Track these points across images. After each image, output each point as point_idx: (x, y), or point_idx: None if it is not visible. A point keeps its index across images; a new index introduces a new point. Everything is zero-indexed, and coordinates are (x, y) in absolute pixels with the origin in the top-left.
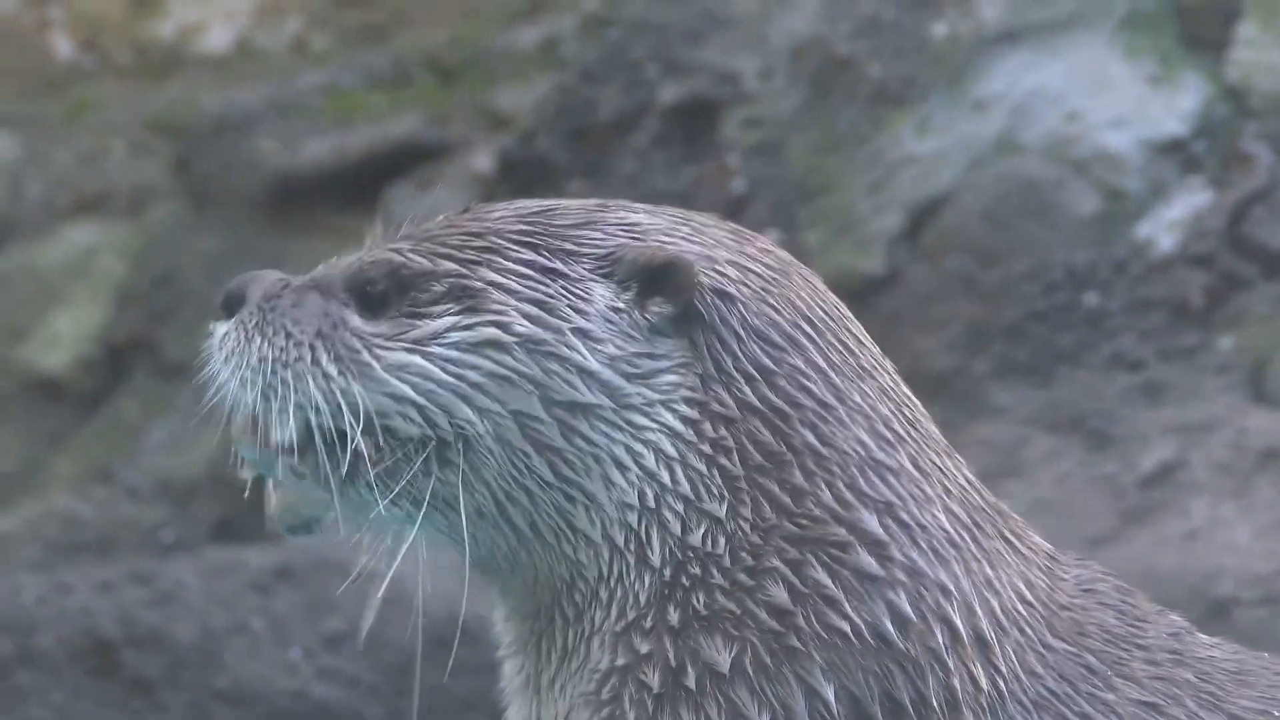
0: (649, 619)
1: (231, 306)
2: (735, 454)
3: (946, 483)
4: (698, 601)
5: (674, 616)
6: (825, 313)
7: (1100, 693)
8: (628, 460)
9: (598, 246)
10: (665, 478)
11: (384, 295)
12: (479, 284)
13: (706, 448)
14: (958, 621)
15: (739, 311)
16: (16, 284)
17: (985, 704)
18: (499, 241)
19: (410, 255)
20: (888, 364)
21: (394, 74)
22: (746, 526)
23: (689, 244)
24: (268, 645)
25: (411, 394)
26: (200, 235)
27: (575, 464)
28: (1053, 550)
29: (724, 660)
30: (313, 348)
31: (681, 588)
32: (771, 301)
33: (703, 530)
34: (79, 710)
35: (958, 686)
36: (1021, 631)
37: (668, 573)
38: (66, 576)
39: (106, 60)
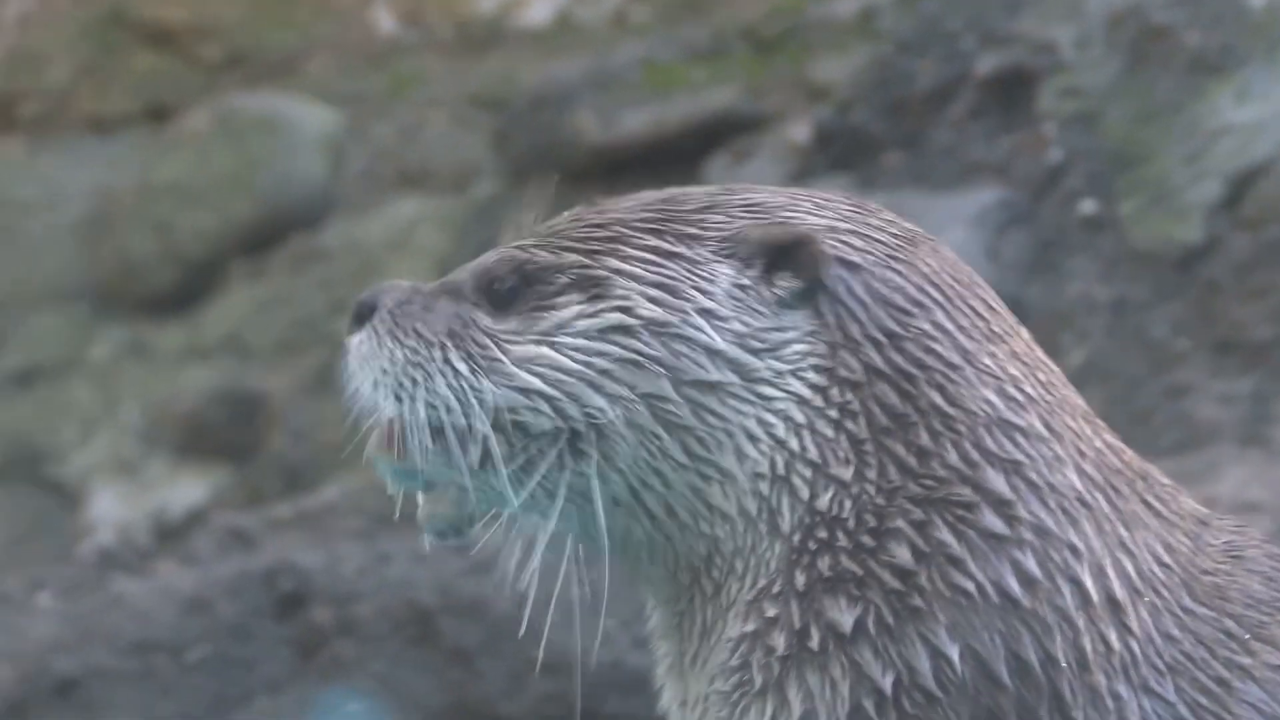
0: (777, 584)
1: (363, 316)
2: (862, 418)
3: (1080, 445)
4: (822, 564)
5: (800, 580)
6: (954, 279)
7: (1237, 656)
8: (759, 431)
9: (721, 229)
10: (794, 445)
11: (511, 292)
12: (603, 272)
13: (834, 413)
14: (1087, 582)
15: (864, 279)
16: (338, 257)
17: (1117, 665)
18: (622, 230)
19: (534, 250)
20: (1022, 331)
21: (712, 46)
22: (871, 489)
23: (812, 218)
24: (584, 615)
25: (541, 385)
26: (519, 208)
27: (708, 441)
28: (1206, 515)
29: (847, 621)
30: (443, 346)
31: (808, 552)
32: (896, 268)
33: (830, 494)
34: (398, 679)
35: (1088, 647)
36: (1157, 594)
37: (796, 538)
38: (387, 547)
39: (428, 35)
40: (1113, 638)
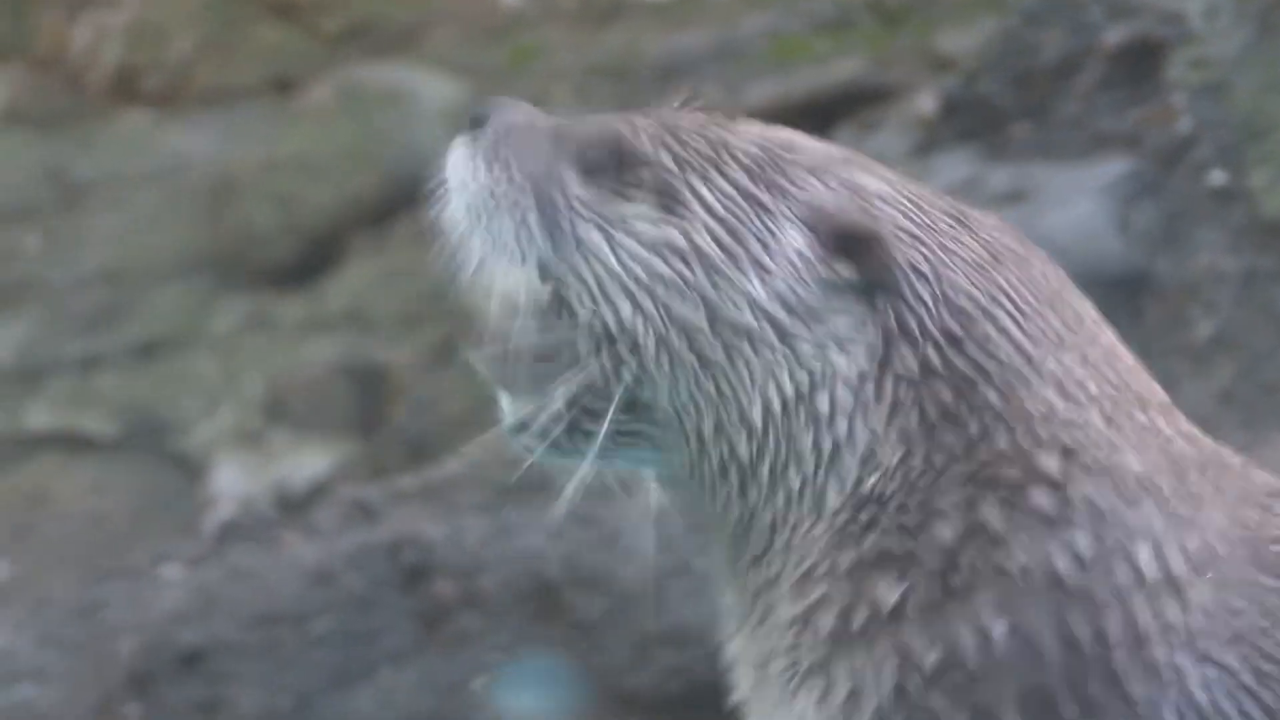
0: (824, 565)
1: (476, 124)
2: (914, 411)
3: (1145, 434)
4: (866, 545)
5: (844, 561)
6: (1033, 291)
7: None
8: (789, 391)
9: (812, 194)
10: (842, 428)
11: (601, 163)
12: (683, 188)
13: (886, 403)
14: (1144, 560)
15: (931, 287)
16: None
17: (1180, 639)
18: (724, 155)
19: (639, 135)
20: (1102, 336)
21: (837, 17)
22: (916, 473)
23: (902, 218)
24: (708, 587)
25: (586, 273)
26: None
27: (738, 386)
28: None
29: (889, 600)
30: (523, 190)
31: (853, 535)
32: (971, 279)
33: (876, 477)
34: (522, 652)
35: (1145, 623)
36: (1222, 569)
37: (841, 519)
38: (510, 519)
39: (550, 6)
40: (1172, 612)
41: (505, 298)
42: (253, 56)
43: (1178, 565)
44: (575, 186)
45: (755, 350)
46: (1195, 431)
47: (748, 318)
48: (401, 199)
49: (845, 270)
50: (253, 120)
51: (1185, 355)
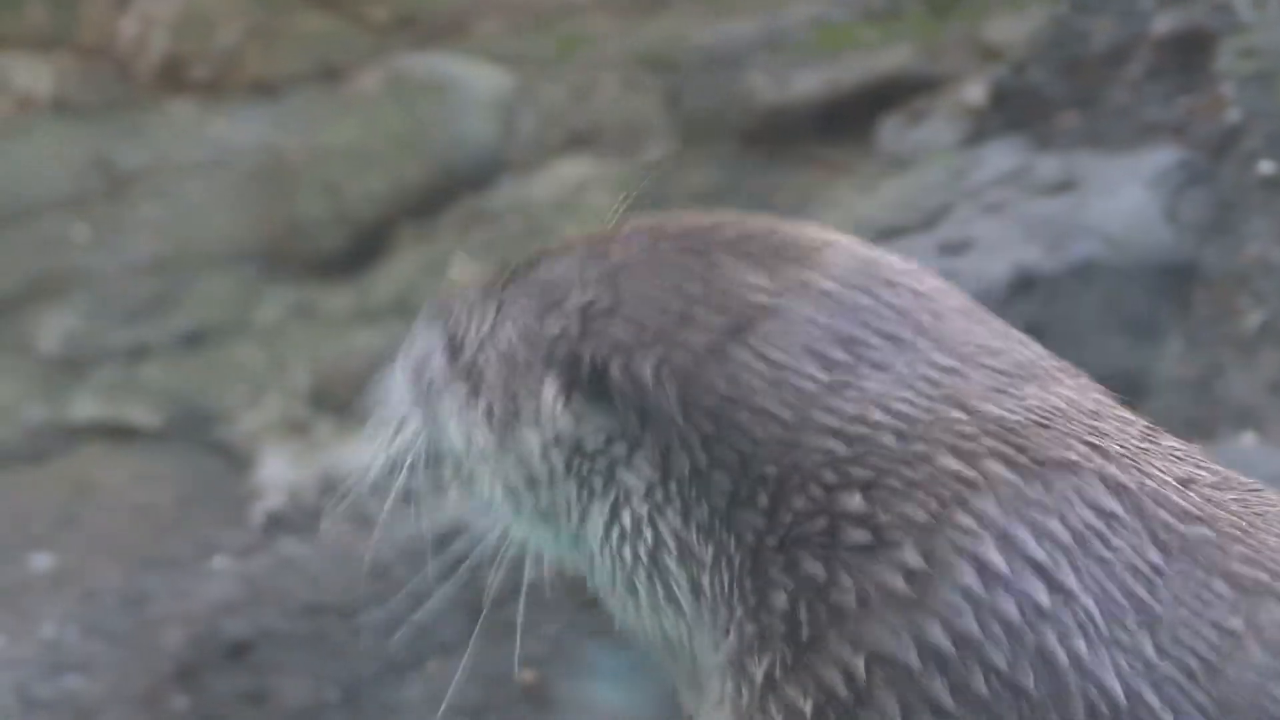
0: (712, 663)
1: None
2: (704, 503)
3: (958, 427)
4: (731, 637)
5: (722, 656)
6: (788, 345)
7: (1228, 618)
8: (602, 520)
9: (550, 336)
10: (648, 535)
11: (449, 347)
12: (479, 363)
13: (677, 504)
14: (989, 553)
15: (674, 391)
16: (507, 219)
17: (1067, 622)
18: (499, 317)
19: (454, 315)
20: (908, 335)
21: (885, 6)
22: (738, 559)
23: (630, 327)
24: None
25: (449, 446)
26: (690, 169)
27: (569, 526)
28: (1224, 479)
29: (759, 673)
30: (409, 373)
31: (719, 630)
32: (712, 368)
33: (707, 577)
34: (570, 642)
35: (1014, 613)
36: (1106, 547)
37: (705, 620)
38: None
39: None
40: (1043, 599)
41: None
42: (300, 46)
43: (1034, 550)
44: (439, 364)
45: (565, 494)
46: (1080, 400)
47: (540, 470)
48: (449, 189)
49: (581, 402)
50: (300, 109)
51: (1234, 345)
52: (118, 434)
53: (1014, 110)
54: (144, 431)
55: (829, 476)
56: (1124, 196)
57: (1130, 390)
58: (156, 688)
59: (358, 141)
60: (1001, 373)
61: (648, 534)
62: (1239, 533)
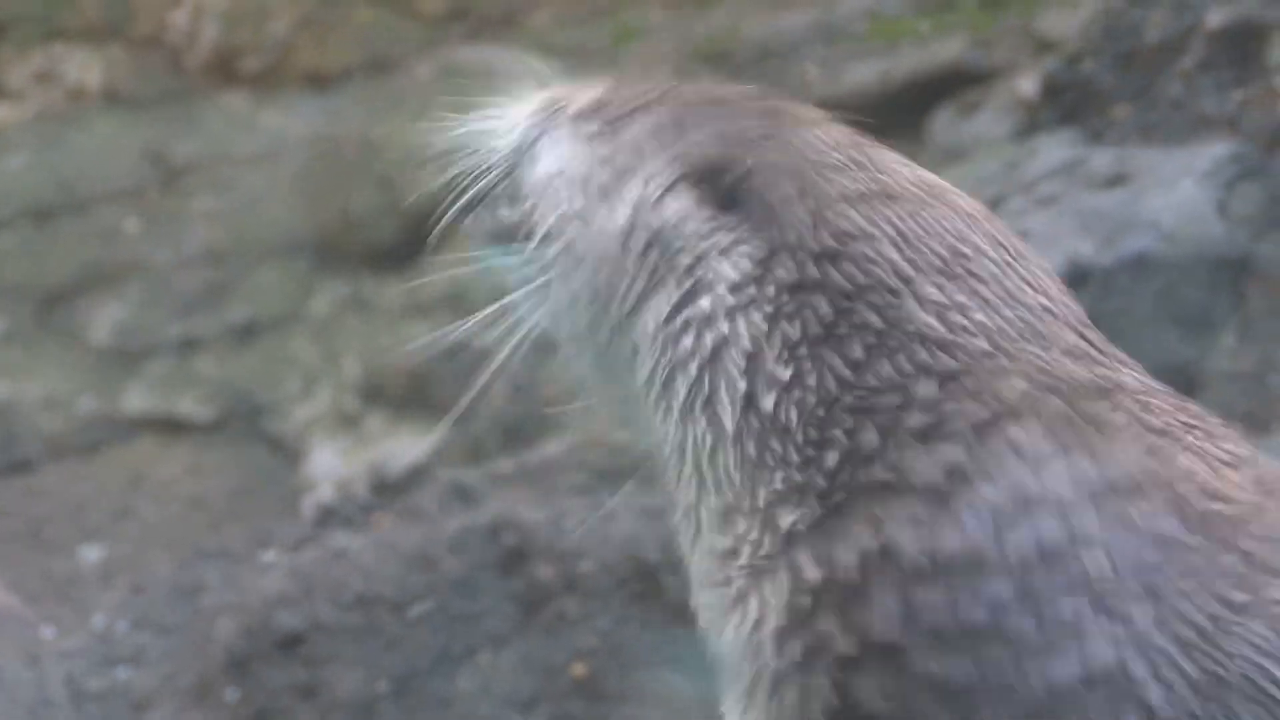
0: (744, 502)
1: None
2: (796, 321)
3: (1039, 363)
4: (776, 479)
5: (759, 497)
6: (923, 226)
7: (1234, 593)
8: (675, 296)
9: (695, 139)
10: (724, 326)
11: (581, 113)
12: (605, 135)
13: (768, 308)
14: (1023, 476)
15: (808, 208)
16: None
17: (1073, 574)
18: (645, 114)
19: (602, 92)
20: (1010, 277)
21: None
22: (813, 399)
23: (780, 155)
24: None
25: (534, 184)
26: None
27: (626, 302)
28: (1239, 451)
29: (785, 524)
30: (535, 105)
31: (766, 468)
32: (852, 205)
33: (773, 397)
34: (622, 636)
35: (1026, 544)
36: (1131, 507)
37: (751, 448)
38: (611, 502)
39: None
40: (1059, 539)
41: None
42: (352, 37)
43: (1065, 489)
44: (566, 113)
45: (636, 267)
46: (1135, 379)
47: (616, 245)
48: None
49: (705, 195)
50: (352, 101)
51: None
52: (170, 426)
53: (1067, 103)
54: (196, 424)
55: (920, 353)
56: (1177, 190)
57: (1184, 384)
58: (208, 680)
59: (411, 133)
60: (1089, 341)
61: (723, 325)
62: (1256, 511)
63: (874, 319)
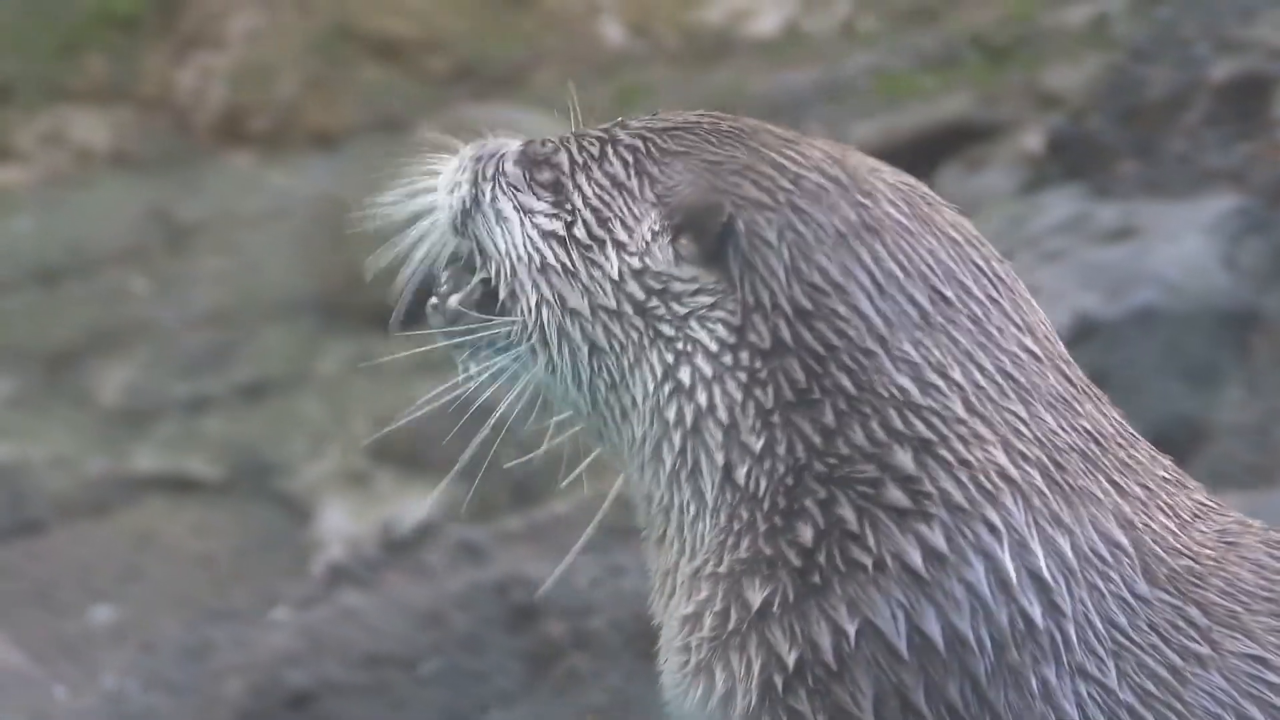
0: (709, 565)
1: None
2: (770, 387)
3: (1018, 425)
4: (742, 546)
5: (725, 562)
6: (905, 266)
7: (1194, 645)
8: (659, 369)
9: (672, 177)
10: (702, 399)
11: (528, 160)
12: (569, 183)
13: (742, 375)
14: (1004, 557)
15: (782, 258)
16: None
17: (1045, 646)
18: (610, 149)
19: (550, 140)
20: (993, 317)
21: (943, 55)
22: (783, 468)
23: (757, 190)
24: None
25: (500, 243)
26: None
27: (622, 367)
28: (1207, 503)
29: (757, 601)
30: (468, 162)
31: (733, 534)
32: (828, 251)
33: (745, 468)
34: (632, 693)
35: (1005, 625)
36: (1102, 575)
37: (722, 517)
38: (619, 559)
39: (656, 46)
40: (1036, 616)
41: (421, 240)
42: (359, 97)
43: (1044, 566)
44: (509, 163)
45: (625, 332)
46: (1111, 428)
47: (610, 299)
48: None
49: (687, 241)
50: (359, 161)
51: None
52: (179, 485)
53: (1072, 158)
54: (205, 483)
55: (894, 420)
56: (1183, 243)
57: (1190, 436)
58: None
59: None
60: (1071, 381)
61: (702, 396)
62: (1218, 564)
63: (846, 382)
